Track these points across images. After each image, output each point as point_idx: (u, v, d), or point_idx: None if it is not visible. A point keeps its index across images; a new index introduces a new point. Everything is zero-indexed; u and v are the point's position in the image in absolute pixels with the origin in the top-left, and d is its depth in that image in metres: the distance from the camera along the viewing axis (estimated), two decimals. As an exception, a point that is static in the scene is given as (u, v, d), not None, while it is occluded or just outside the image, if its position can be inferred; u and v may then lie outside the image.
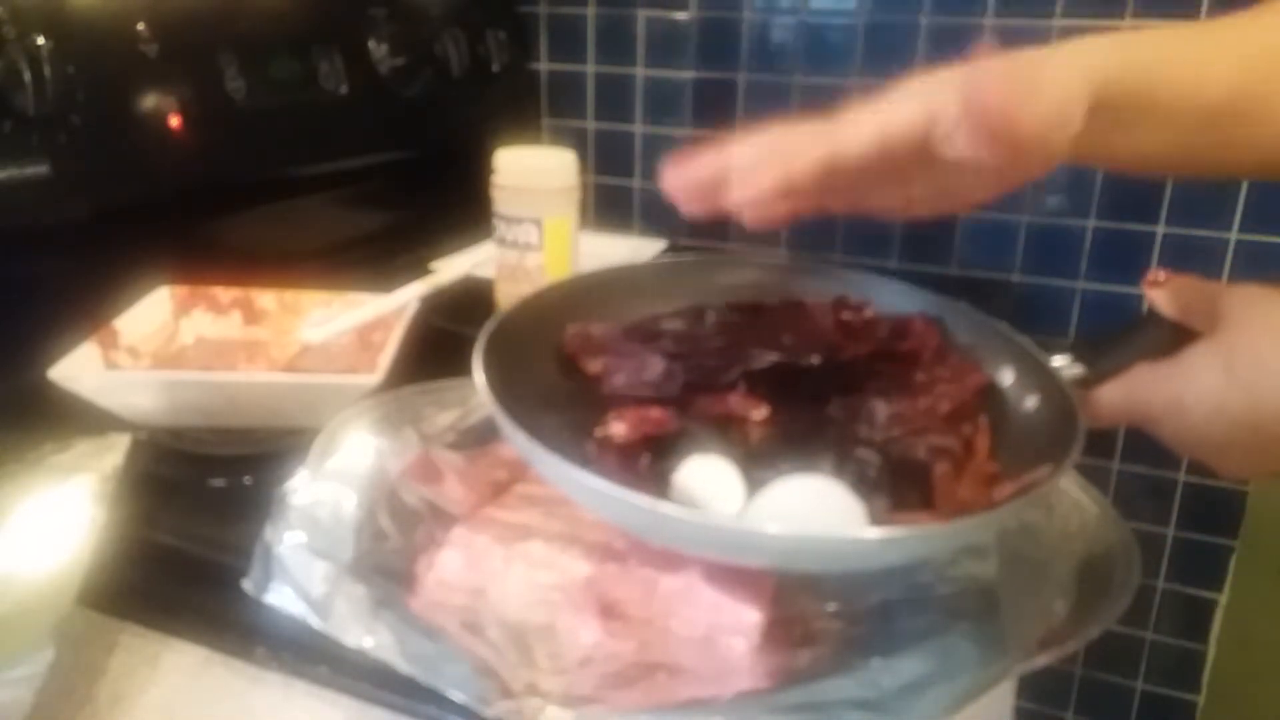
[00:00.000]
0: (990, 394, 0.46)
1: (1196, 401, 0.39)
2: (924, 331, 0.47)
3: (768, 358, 0.45)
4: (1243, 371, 0.38)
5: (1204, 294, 0.42)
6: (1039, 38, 0.95)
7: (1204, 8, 0.91)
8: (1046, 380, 0.43)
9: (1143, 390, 0.41)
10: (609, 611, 0.40)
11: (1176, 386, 0.40)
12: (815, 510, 0.39)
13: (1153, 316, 0.44)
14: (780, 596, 0.41)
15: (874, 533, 0.37)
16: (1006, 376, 0.46)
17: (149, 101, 0.70)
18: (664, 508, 0.35)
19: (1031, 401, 0.44)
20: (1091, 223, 0.98)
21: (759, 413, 0.44)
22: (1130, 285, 0.99)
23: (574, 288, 0.52)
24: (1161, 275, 0.44)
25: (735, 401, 0.44)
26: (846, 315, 0.48)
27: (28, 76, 0.61)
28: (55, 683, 0.38)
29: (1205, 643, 1.05)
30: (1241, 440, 0.39)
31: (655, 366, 0.45)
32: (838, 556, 0.38)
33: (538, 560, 0.42)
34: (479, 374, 0.40)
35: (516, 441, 0.38)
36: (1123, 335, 0.44)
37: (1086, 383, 0.43)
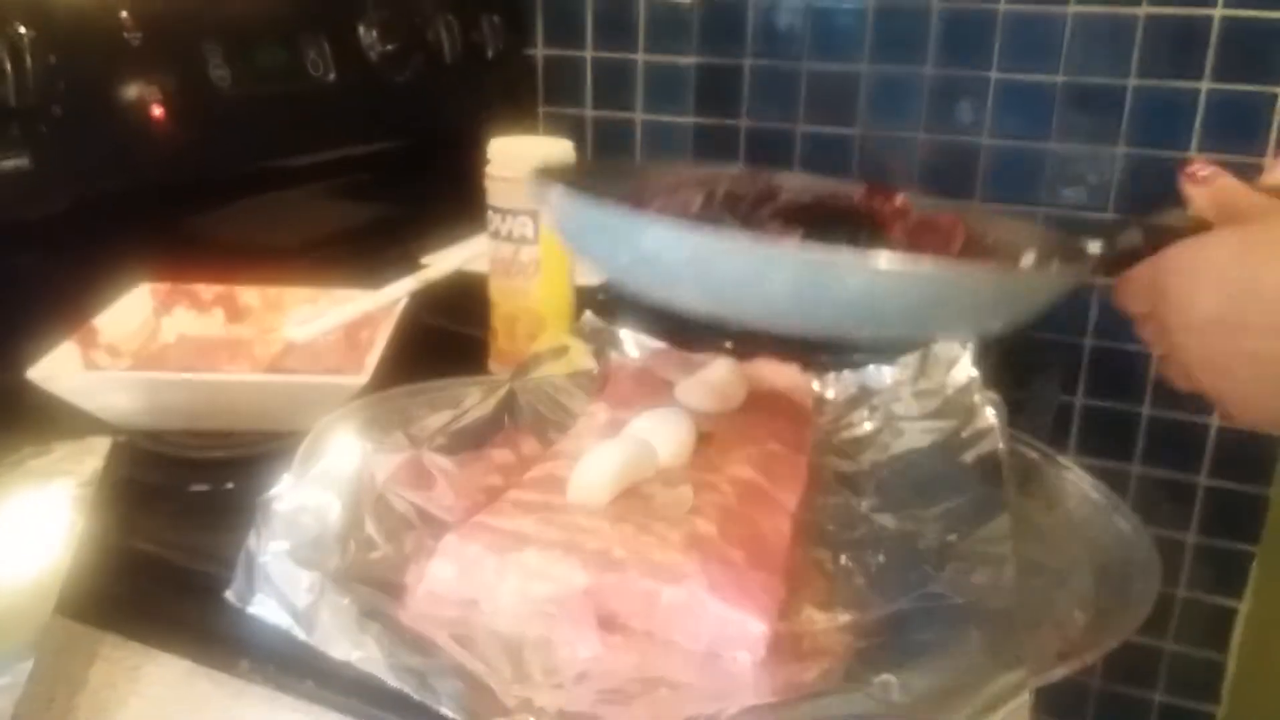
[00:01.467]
0: None
1: (1203, 269, 0.39)
2: (950, 227, 0.49)
3: (805, 196, 0.50)
4: (1253, 254, 0.38)
5: (1247, 200, 0.41)
6: (1051, 25, 0.93)
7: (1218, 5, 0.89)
8: (1065, 249, 0.45)
9: (1160, 264, 0.41)
10: (607, 624, 0.39)
11: (1189, 254, 0.40)
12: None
13: (1185, 211, 0.42)
14: (787, 609, 0.40)
15: (889, 261, 0.38)
16: (1028, 259, 0.47)
17: (132, 92, 0.69)
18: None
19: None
20: (1109, 216, 0.97)
21: (793, 239, 0.46)
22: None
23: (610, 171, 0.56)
24: (1204, 170, 0.42)
25: (770, 230, 0.46)
26: (878, 203, 0.51)
27: (8, 66, 0.60)
28: (34, 694, 0.38)
29: (1225, 652, 1.03)
30: (1230, 324, 0.39)
31: (694, 200, 0.49)
32: (852, 286, 0.38)
33: (533, 570, 0.41)
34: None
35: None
36: (1150, 223, 0.43)
37: (1106, 262, 0.43)
